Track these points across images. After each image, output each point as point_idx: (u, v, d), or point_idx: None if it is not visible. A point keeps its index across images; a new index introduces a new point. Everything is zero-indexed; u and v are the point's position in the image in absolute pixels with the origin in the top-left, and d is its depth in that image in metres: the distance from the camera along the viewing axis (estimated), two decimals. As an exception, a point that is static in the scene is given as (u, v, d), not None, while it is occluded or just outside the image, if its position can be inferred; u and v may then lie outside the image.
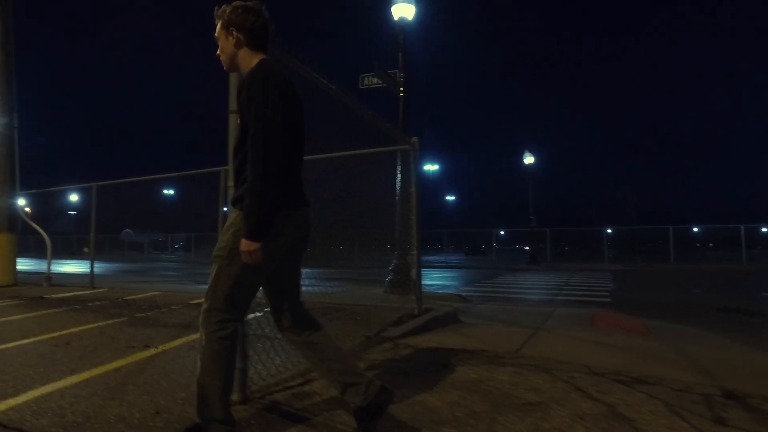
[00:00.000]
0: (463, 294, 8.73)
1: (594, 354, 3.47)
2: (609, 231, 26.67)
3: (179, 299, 6.13)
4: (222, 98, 2.28)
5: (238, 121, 2.20)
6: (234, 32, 1.84)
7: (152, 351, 3.25)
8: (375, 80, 8.40)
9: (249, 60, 1.84)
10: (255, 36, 1.85)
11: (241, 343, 2.21)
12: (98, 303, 5.75)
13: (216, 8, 1.89)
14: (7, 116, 7.92)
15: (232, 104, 2.23)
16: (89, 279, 8.04)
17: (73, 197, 12.04)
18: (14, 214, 8.35)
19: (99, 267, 8.45)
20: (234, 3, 1.86)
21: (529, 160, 23.59)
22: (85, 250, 22.14)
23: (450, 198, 53.15)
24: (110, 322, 4.39)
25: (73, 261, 18.30)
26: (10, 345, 3.43)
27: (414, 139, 5.07)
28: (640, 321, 5.49)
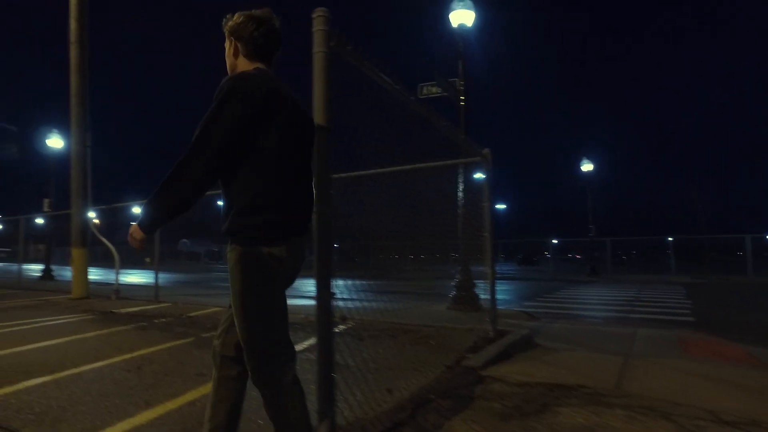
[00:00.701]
0: (528, 311, 8.27)
1: (710, 392, 3.03)
2: (672, 239, 25.00)
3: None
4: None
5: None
6: (233, 41, 1.77)
7: (224, 379, 3.10)
8: (434, 89, 8.15)
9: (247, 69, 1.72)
10: (254, 46, 1.76)
11: (326, 385, 2.00)
12: (164, 320, 5.78)
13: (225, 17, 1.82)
14: (82, 136, 8.26)
15: (317, 120, 2.04)
16: (153, 292, 8.20)
17: (136, 209, 12.48)
18: (86, 229, 8.68)
19: (160, 278, 8.62)
20: (242, 11, 1.78)
21: (587, 167, 22.54)
22: (147, 260, 23.03)
23: (501, 206, 51.92)
24: (177, 343, 4.33)
25: (136, 270, 19.02)
26: (86, 368, 3.40)
27: (486, 150, 4.78)
28: (742, 348, 4.91)
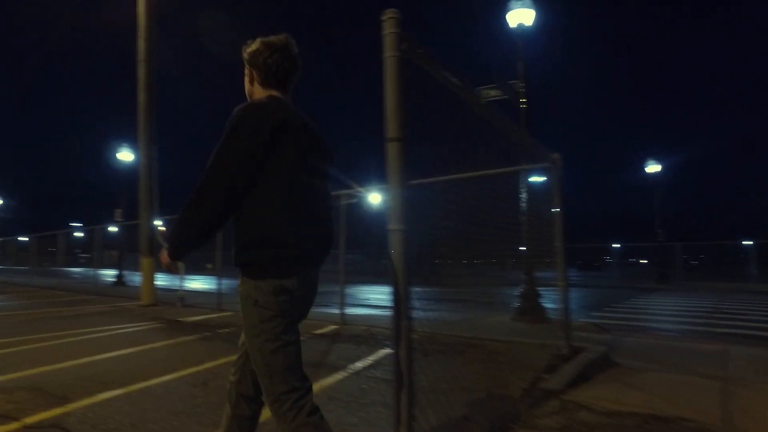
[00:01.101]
0: (597, 322, 7.77)
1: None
2: (753, 243, 22.95)
3: (303, 327, 6.02)
4: (378, 124, 1.96)
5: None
6: (249, 68, 1.76)
7: (290, 398, 3.01)
8: (493, 93, 7.87)
9: (260, 97, 1.71)
10: (267, 73, 1.72)
11: (405, 413, 1.83)
12: (227, 330, 5.85)
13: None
14: (148, 149, 8.62)
15: (391, 131, 1.89)
16: (216, 300, 8.39)
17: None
18: (154, 238, 9.04)
19: (217, 282, 8.83)
20: (261, 38, 1.75)
21: (653, 168, 21.17)
22: (209, 266, 23.91)
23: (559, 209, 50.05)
24: (242, 354, 4.34)
25: (199, 276, 19.74)
26: (155, 381, 3.43)
27: (555, 155, 4.48)
28: None
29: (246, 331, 1.57)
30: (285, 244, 1.53)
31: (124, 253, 17.29)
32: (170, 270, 1.61)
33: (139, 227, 9.33)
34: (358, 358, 4.29)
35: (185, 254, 1.59)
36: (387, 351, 4.64)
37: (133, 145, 14.80)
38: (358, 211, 7.61)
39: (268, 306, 1.51)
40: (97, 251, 14.82)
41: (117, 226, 16.12)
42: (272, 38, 1.73)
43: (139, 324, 6.44)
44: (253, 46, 1.73)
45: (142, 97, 9.02)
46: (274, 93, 1.71)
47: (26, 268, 18.04)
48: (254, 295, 1.52)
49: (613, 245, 28.95)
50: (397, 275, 1.87)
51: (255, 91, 1.75)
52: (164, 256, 1.59)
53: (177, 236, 1.56)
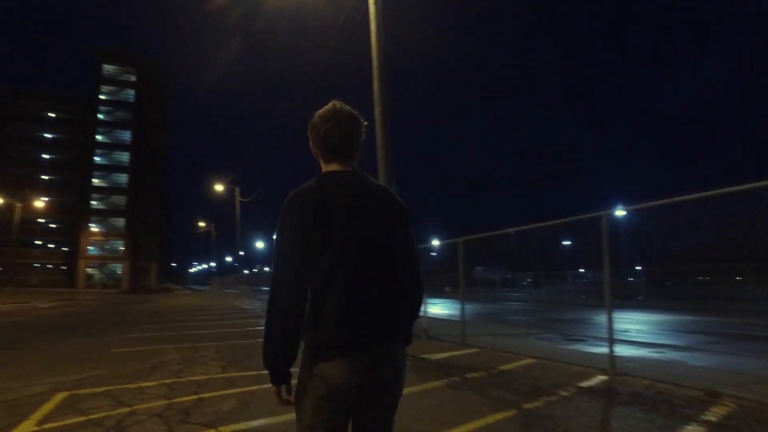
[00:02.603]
0: None
1: None
2: None
3: (562, 375, 5.09)
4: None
5: None
6: (311, 144, 1.68)
7: None
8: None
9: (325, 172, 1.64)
10: (323, 146, 1.62)
11: None
12: (475, 375, 5.28)
13: None
14: (389, 182, 8.96)
15: None
16: (459, 331, 8.01)
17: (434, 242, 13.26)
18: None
19: (457, 307, 8.48)
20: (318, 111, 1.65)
21: None
22: (447, 289, 24.45)
23: None
24: (498, 418, 3.66)
25: (438, 300, 20.11)
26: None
27: None
28: None
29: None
30: (328, 327, 1.42)
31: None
32: (282, 403, 1.46)
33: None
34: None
35: (284, 371, 1.44)
36: (695, 430, 3.35)
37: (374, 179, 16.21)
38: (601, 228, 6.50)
39: (305, 392, 1.45)
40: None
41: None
42: (326, 109, 1.64)
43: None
44: (311, 120, 1.66)
45: (379, 134, 9.52)
46: (335, 167, 1.61)
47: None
48: (299, 378, 1.49)
49: None
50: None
51: (322, 165, 1.67)
52: (273, 392, 1.46)
53: (266, 355, 1.43)
